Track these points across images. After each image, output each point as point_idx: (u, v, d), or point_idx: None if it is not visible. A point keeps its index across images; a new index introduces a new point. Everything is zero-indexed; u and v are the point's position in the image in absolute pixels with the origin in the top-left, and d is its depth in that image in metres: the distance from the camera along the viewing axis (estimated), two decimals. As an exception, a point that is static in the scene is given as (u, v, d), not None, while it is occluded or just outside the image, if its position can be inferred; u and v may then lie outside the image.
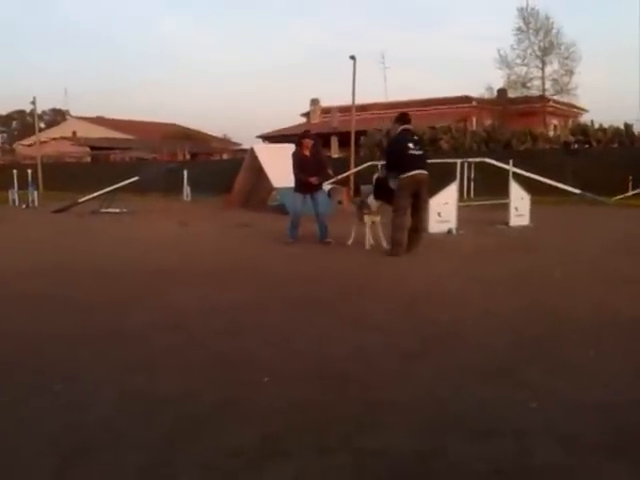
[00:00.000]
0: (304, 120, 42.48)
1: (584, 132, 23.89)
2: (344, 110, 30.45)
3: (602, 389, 3.44)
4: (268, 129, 40.13)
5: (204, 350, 4.28)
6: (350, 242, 9.55)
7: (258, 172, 17.72)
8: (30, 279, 7.16)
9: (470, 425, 2.97)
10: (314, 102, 41.75)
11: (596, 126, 24.52)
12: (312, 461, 2.65)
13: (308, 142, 10.00)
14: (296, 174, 9.92)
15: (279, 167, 17.05)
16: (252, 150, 18.61)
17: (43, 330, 4.87)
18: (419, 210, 8.85)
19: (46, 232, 13.24)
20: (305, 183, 9.79)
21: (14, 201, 22.65)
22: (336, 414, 3.14)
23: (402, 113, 9.41)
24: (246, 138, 67.31)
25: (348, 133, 23.56)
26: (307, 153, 9.92)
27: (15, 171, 23.66)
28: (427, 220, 9.04)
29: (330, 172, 10.37)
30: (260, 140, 38.50)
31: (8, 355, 4.22)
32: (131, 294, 6.29)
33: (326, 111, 39.23)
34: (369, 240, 9.33)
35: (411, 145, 8.70)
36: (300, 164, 9.83)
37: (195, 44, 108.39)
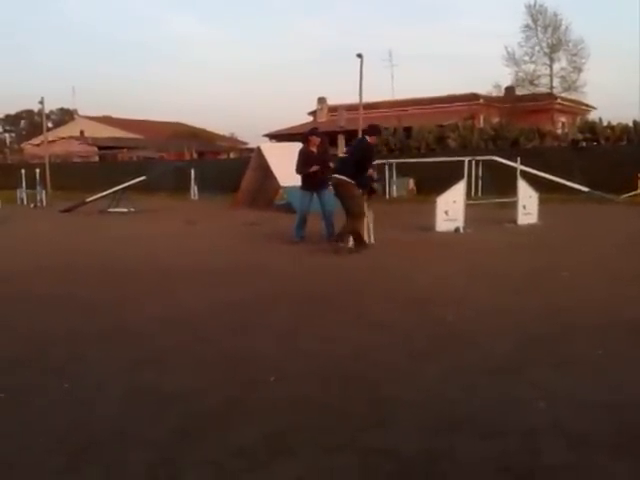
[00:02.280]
0: (311, 119, 42.43)
1: (592, 130, 23.72)
2: (351, 108, 30.41)
3: (610, 388, 3.41)
4: (275, 128, 40.11)
5: (211, 348, 4.28)
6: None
7: (265, 171, 17.72)
8: (38, 278, 7.19)
9: (478, 424, 2.96)
10: (321, 101, 41.68)
11: (604, 123, 24.38)
12: (318, 460, 2.65)
13: (315, 139, 10.02)
14: (301, 170, 9.92)
15: (286, 166, 17.00)
16: (259, 149, 18.60)
17: (51, 328, 4.89)
18: (345, 213, 9.01)
19: (54, 231, 13.29)
20: (312, 177, 9.76)
21: (22, 200, 22.75)
22: (342, 413, 3.13)
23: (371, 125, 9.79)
24: (253, 137, 67.48)
25: (355, 131, 23.44)
26: (314, 150, 9.92)
27: (23, 170, 23.76)
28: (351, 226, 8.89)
29: (331, 165, 10.34)
30: (267, 139, 38.49)
31: (17, 353, 4.24)
32: (139, 292, 6.31)
33: (333, 109, 39.19)
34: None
35: (345, 149, 8.90)
36: (306, 160, 9.83)
37: (202, 43, 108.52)
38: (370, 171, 9.25)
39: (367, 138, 9.31)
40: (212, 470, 2.58)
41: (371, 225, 9.59)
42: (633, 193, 18.13)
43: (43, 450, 2.77)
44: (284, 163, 17.12)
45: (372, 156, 9.44)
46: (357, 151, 9.26)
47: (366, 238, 9.33)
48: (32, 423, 3.07)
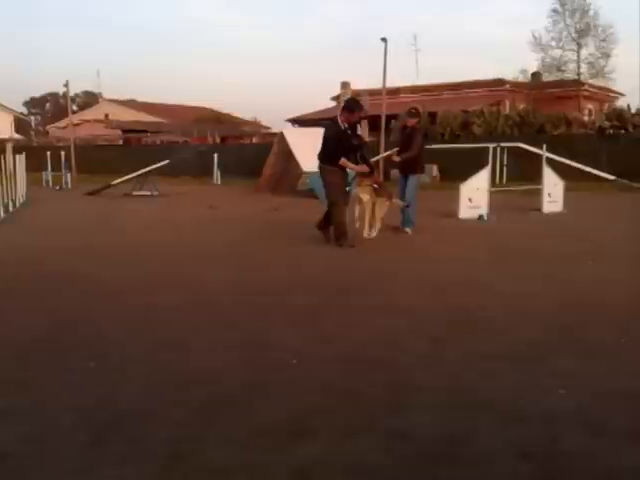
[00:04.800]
0: (334, 103, 42.24)
1: (620, 117, 23.33)
2: (375, 93, 30.20)
3: (632, 376, 3.40)
4: (298, 112, 40.02)
5: (234, 331, 4.33)
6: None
7: (287, 156, 17.73)
8: (64, 260, 7.30)
9: (498, 410, 2.97)
10: (344, 85, 41.31)
11: (633, 111, 23.96)
12: (340, 442, 2.68)
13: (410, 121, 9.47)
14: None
15: (308, 151, 17.02)
16: (282, 134, 18.61)
17: (77, 308, 4.98)
18: None
19: (79, 214, 13.45)
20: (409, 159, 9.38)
21: (47, 182, 23.01)
22: (364, 396, 3.16)
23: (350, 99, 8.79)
24: (276, 121, 67.39)
25: (378, 117, 23.44)
26: (408, 127, 9.52)
27: (49, 153, 24.02)
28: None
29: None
30: (290, 124, 38.46)
31: (44, 334, 4.32)
32: (162, 275, 6.38)
33: (356, 94, 38.96)
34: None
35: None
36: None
37: (226, 27, 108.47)
38: (342, 160, 7.93)
39: (338, 117, 8.20)
40: (235, 448, 2.62)
41: (377, 216, 8.78)
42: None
43: (69, 426, 2.84)
44: (306, 148, 17.11)
45: (339, 139, 8.01)
46: (325, 138, 8.23)
47: (366, 231, 8.72)
48: (59, 400, 3.14)
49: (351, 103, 8.39)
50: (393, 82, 26.56)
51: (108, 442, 2.69)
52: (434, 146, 21.08)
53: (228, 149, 29.43)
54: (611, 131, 22.40)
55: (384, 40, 19.45)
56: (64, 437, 2.74)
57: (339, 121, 8.12)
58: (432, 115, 26.37)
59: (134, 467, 2.50)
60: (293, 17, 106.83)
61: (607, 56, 35.38)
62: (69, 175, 22.95)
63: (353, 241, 8.07)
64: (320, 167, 8.33)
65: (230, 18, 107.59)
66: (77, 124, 40.58)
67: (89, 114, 50.18)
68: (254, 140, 41.46)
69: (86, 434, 2.75)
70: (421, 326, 4.43)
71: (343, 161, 8.03)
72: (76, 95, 67.19)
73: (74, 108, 50.39)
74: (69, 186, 22.00)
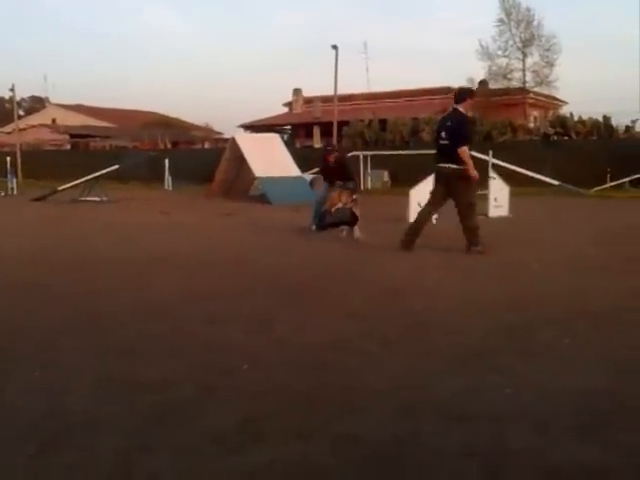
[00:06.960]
0: (286, 110, 42.36)
1: (563, 124, 24.08)
2: (326, 100, 30.38)
3: (576, 376, 3.50)
4: (250, 118, 40.00)
5: (184, 337, 4.29)
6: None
7: (240, 162, 17.69)
8: (8, 267, 7.11)
9: (446, 410, 3.02)
10: (296, 92, 41.64)
11: (575, 118, 24.73)
12: (291, 446, 2.68)
13: (330, 156, 10.48)
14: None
15: (261, 157, 17.05)
16: (234, 140, 18.55)
17: (21, 317, 4.84)
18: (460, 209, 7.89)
19: (25, 220, 13.12)
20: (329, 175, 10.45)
21: (-8, 189, 22.39)
22: (315, 400, 3.17)
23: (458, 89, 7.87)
24: (228, 127, 67.05)
25: (330, 123, 23.62)
26: (332, 160, 10.40)
27: (-7, 159, 23.38)
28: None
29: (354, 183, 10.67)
30: (242, 129, 38.37)
31: (-14, 342, 4.20)
32: (111, 282, 6.28)
33: (308, 101, 39.17)
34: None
35: (442, 134, 7.59)
36: (325, 169, 10.63)
37: (177, 32, 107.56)
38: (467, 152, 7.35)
39: (459, 108, 7.60)
40: (186, 456, 2.60)
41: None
42: (603, 187, 18.47)
43: (14, 436, 2.77)
44: (259, 154, 17.14)
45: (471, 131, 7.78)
46: (454, 131, 7.49)
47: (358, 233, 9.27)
48: (3, 411, 3.06)
49: (469, 89, 8.23)
50: (345, 89, 26.75)
51: (54, 452, 2.63)
52: (385, 152, 21.40)
53: (179, 154, 29.16)
54: (555, 137, 23.07)
55: (335, 47, 19.58)
56: (8, 448, 2.67)
57: (461, 111, 7.60)
58: (382, 122, 26.70)
59: (81, 477, 2.45)
60: (245, 23, 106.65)
61: (551, 65, 36.31)
62: (15, 181, 22.38)
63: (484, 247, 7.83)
64: (458, 171, 7.58)
65: (181, 23, 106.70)
66: (23, 129, 39.58)
67: (36, 119, 49.07)
68: (206, 145, 41.22)
69: (31, 444, 2.68)
70: (371, 329, 4.46)
71: (467, 152, 7.54)
72: (22, 100, 65.49)
73: (20, 113, 49.03)
74: (14, 192, 21.45)
